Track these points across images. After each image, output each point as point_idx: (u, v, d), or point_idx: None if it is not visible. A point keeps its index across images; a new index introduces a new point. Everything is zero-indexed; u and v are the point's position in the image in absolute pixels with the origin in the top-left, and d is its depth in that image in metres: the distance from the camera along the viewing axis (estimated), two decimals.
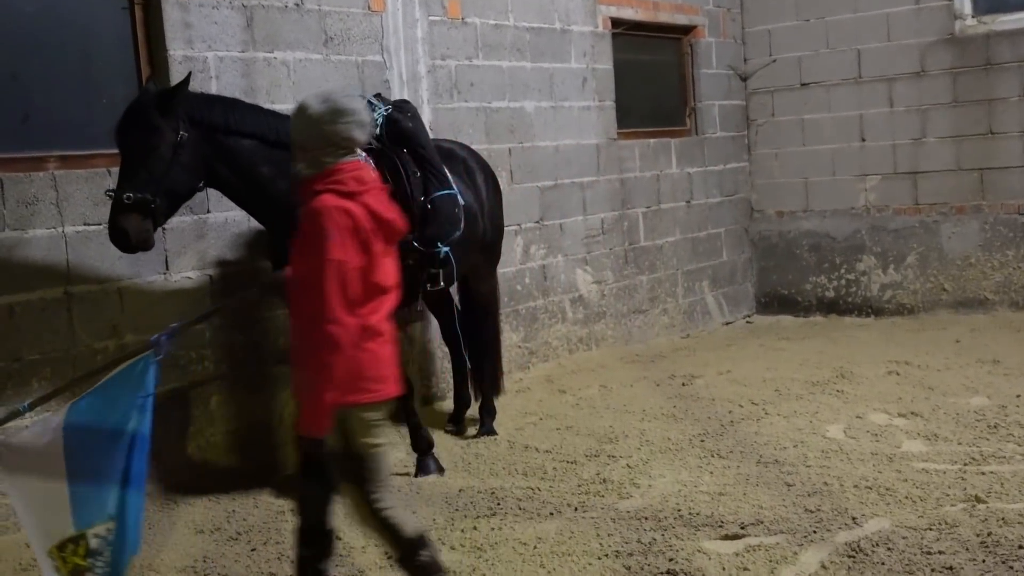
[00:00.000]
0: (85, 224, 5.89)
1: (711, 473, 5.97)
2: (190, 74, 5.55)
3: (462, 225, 6.49)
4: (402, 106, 6.59)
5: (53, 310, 5.76)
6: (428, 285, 6.45)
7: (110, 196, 5.27)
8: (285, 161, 5.69)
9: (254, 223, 6.40)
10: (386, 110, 6.43)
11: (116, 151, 5.41)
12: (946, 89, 10.35)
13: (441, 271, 6.42)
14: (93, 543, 3.96)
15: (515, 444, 6.86)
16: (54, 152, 5.91)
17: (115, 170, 5.96)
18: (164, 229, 6.24)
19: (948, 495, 5.30)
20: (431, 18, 8.01)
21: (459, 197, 6.53)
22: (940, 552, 4.56)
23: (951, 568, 4.40)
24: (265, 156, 5.67)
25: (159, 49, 6.32)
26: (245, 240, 6.64)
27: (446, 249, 6.34)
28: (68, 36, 6.07)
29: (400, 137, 6.36)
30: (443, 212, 6.34)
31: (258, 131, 5.67)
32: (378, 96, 6.71)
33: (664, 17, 10.47)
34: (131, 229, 5.18)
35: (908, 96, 10.56)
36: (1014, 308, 10.18)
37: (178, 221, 6.28)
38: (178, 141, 5.31)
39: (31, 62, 5.92)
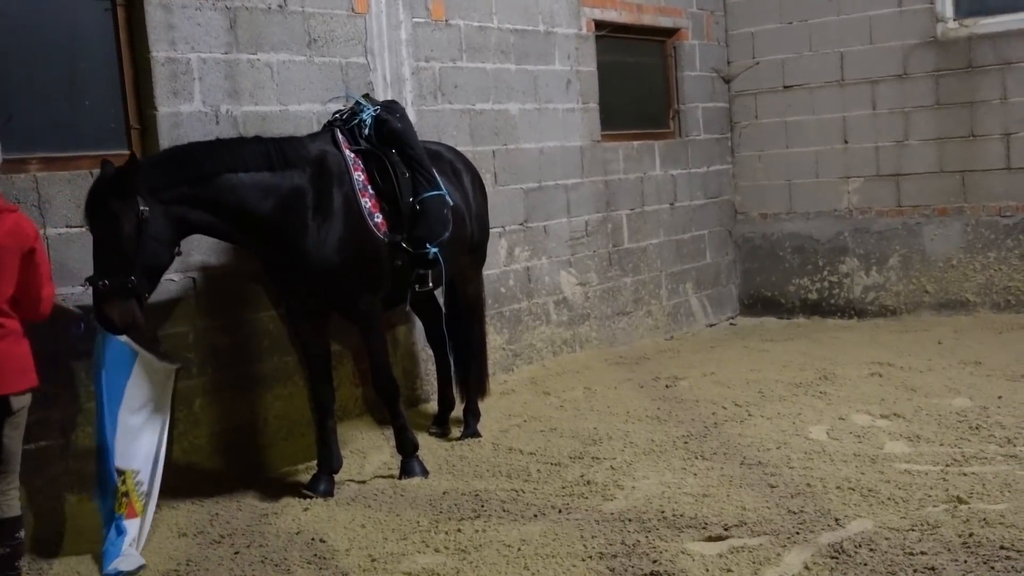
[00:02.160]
0: (68, 226, 5.85)
1: (695, 475, 5.98)
2: (134, 155, 5.41)
3: (451, 226, 6.49)
4: (391, 106, 6.59)
5: None
6: (417, 286, 6.45)
7: (88, 284, 5.23)
8: (263, 182, 5.70)
9: None
10: (375, 111, 6.43)
11: (99, 163, 5.40)
12: (928, 91, 10.40)
13: (430, 272, 6.41)
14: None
15: (499, 446, 6.86)
16: (36, 154, 5.87)
17: (97, 171, 5.95)
18: None
19: (930, 496, 5.33)
20: (415, 20, 8.00)
21: (448, 198, 6.53)
22: (923, 553, 4.58)
23: (933, 569, 4.42)
24: (243, 184, 5.63)
25: (142, 50, 6.29)
26: (226, 245, 6.61)
27: (435, 250, 6.34)
28: (51, 37, 6.03)
29: (389, 138, 6.36)
30: (432, 213, 6.34)
31: (226, 166, 5.60)
32: (366, 96, 6.71)
33: (648, 19, 10.49)
34: (114, 315, 5.14)
35: (891, 98, 10.61)
36: (996, 309, 10.24)
37: None
38: (141, 219, 5.19)
39: (13, 63, 5.87)
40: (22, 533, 4.83)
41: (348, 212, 6.00)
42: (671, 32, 10.90)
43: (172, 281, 6.35)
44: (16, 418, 4.75)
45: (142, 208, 5.21)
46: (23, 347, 4.74)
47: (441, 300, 7.37)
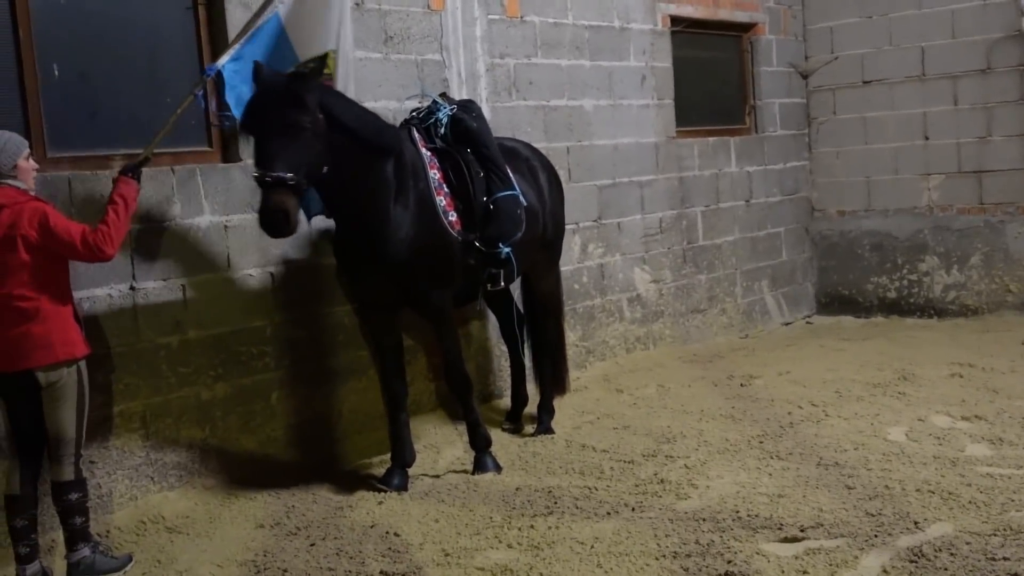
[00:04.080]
0: (150, 221, 5.97)
1: (770, 475, 5.92)
2: (327, 54, 5.67)
3: (524, 226, 6.50)
4: (467, 106, 6.62)
5: (118, 305, 5.85)
6: (489, 284, 6.47)
7: (264, 179, 5.16)
8: (368, 162, 5.73)
9: (315, 223, 6.47)
10: (451, 110, 6.47)
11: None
12: (1013, 86, 10.16)
13: (502, 271, 6.43)
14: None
15: (572, 443, 6.86)
16: (120, 151, 5.99)
17: (179, 168, 6.07)
18: (226, 227, 6.32)
19: (1013, 500, 5.21)
20: (490, 17, 8.03)
21: (521, 198, 6.54)
22: (1005, 559, 4.48)
23: (1016, 575, 4.32)
24: (352, 155, 5.63)
25: (222, 49, 6.35)
26: (307, 239, 6.70)
27: (507, 250, 6.35)
28: (134, 36, 6.16)
29: (464, 137, 6.39)
30: (505, 212, 6.35)
31: (355, 127, 5.62)
32: (443, 95, 6.76)
33: (724, 14, 10.40)
34: (292, 209, 5.15)
35: (973, 94, 10.39)
36: None
37: (240, 219, 6.36)
38: (318, 121, 5.33)
39: (98, 61, 6.01)
40: (74, 496, 4.97)
41: (423, 208, 6.04)
42: (747, 27, 10.79)
43: (250, 276, 6.45)
44: (53, 392, 4.88)
45: (319, 115, 5.35)
46: (47, 326, 4.85)
47: (517, 296, 7.37)
